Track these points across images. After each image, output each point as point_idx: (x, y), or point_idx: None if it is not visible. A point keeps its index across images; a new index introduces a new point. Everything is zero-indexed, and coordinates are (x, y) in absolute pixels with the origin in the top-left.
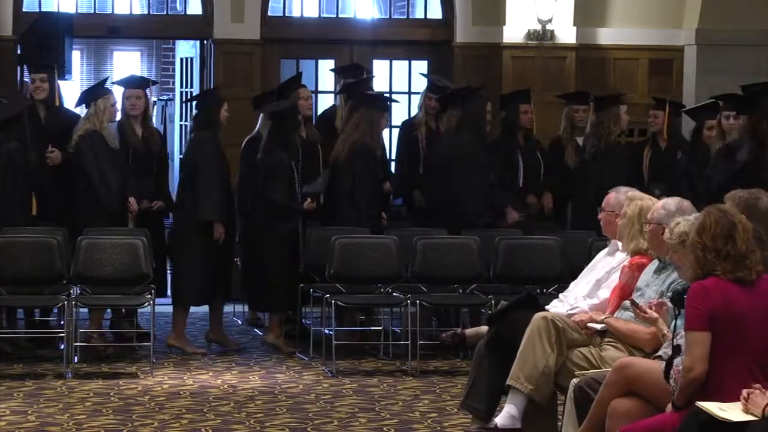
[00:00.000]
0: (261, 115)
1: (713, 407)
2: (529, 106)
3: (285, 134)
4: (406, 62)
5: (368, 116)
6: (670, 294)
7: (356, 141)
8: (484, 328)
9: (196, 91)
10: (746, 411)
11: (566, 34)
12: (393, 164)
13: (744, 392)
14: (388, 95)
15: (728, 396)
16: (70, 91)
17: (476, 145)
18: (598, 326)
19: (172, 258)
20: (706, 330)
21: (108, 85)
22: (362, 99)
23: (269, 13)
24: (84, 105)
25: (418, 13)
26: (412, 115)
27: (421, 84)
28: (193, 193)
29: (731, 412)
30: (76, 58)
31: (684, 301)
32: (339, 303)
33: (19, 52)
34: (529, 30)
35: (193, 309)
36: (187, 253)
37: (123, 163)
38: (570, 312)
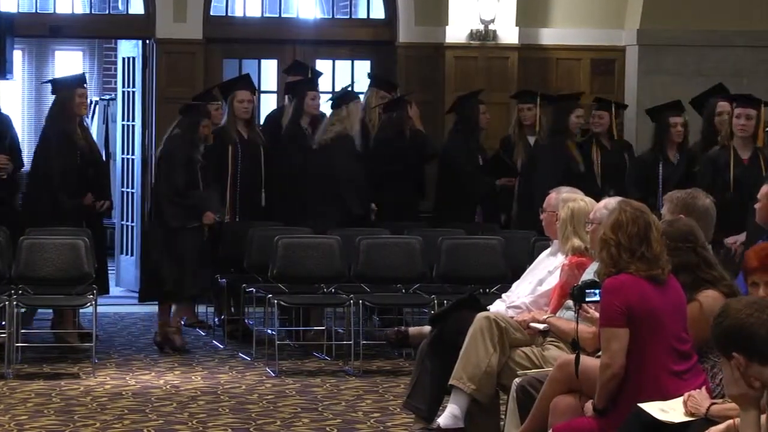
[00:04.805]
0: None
1: (654, 409)
2: (485, 107)
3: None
4: (349, 62)
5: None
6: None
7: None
8: (428, 328)
9: (138, 91)
10: (688, 413)
11: (509, 34)
12: None
13: (685, 395)
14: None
15: (647, 391)
16: (10, 92)
17: None
18: (541, 326)
19: None
20: (623, 326)
21: None
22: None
23: (212, 13)
24: (331, 107)
25: (361, 13)
26: None
27: (363, 84)
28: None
29: (673, 413)
30: (17, 58)
31: (585, 297)
32: (281, 303)
33: None
34: (471, 30)
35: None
36: None
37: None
38: (511, 306)
